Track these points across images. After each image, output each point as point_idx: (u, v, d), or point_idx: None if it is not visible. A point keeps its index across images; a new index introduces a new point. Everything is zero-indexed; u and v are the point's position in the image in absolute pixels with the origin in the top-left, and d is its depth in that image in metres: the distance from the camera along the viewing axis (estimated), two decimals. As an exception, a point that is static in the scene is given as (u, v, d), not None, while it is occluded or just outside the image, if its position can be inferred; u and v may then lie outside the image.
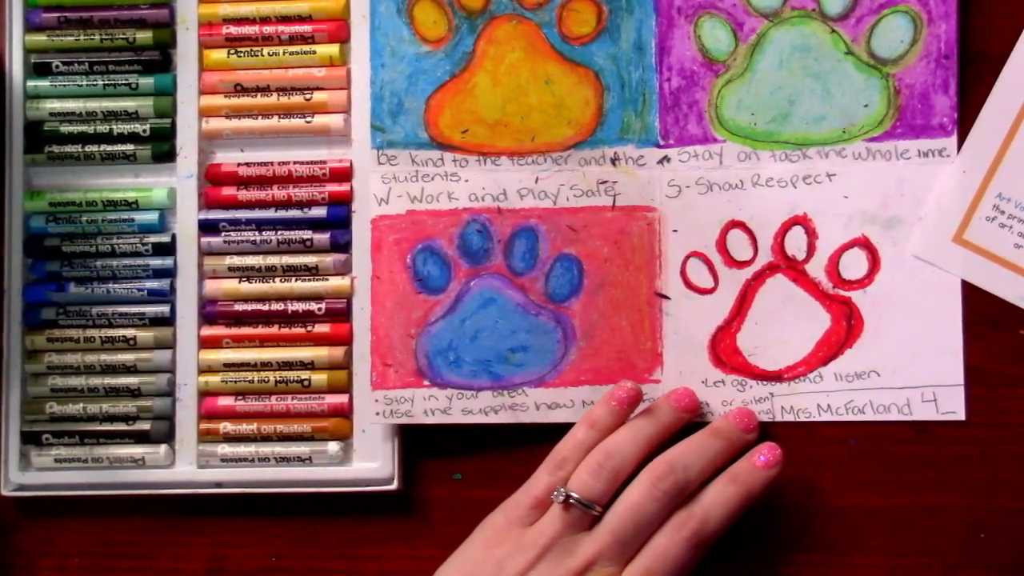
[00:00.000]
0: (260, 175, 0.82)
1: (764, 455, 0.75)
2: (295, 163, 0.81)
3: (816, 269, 0.78)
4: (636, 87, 0.78)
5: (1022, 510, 0.77)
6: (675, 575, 0.74)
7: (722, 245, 0.78)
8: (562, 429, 0.77)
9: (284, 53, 0.81)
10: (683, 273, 0.79)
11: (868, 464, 0.78)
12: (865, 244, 0.77)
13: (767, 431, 0.77)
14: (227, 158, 0.82)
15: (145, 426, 0.82)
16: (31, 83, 0.82)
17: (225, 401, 0.82)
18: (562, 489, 0.74)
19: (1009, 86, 0.75)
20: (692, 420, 0.77)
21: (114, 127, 0.82)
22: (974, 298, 0.77)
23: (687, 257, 0.79)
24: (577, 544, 0.74)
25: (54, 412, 0.82)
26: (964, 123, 0.76)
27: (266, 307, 0.81)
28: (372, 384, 0.80)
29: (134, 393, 0.82)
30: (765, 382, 0.78)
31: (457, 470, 0.81)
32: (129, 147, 0.82)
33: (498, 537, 0.75)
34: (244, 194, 0.81)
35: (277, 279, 0.81)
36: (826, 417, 0.77)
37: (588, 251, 0.79)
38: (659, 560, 0.73)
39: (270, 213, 0.81)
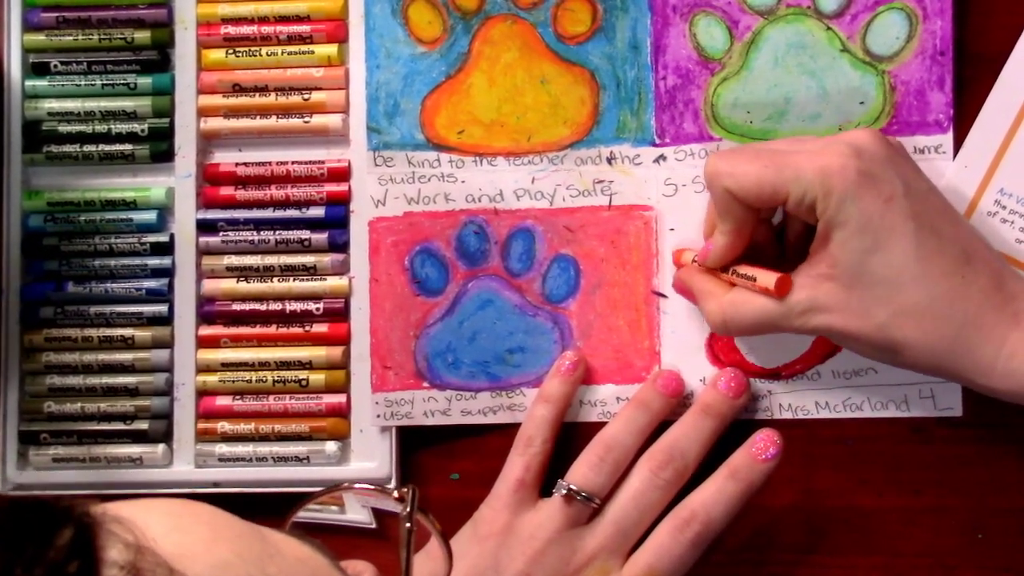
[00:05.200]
0: (258, 175, 0.82)
1: (763, 448, 0.74)
2: (293, 163, 0.82)
3: (813, 267, 0.78)
4: (632, 86, 0.78)
5: (1021, 511, 0.76)
6: (678, 573, 0.74)
7: (719, 244, 0.78)
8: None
9: (282, 53, 0.81)
10: (680, 272, 0.79)
11: (867, 465, 0.77)
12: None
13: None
14: (225, 158, 0.82)
15: (143, 425, 0.82)
16: (29, 83, 0.83)
17: (223, 401, 0.82)
18: (563, 482, 0.75)
19: (1011, 82, 0.75)
20: (681, 405, 0.77)
21: (112, 127, 0.82)
22: (972, 295, 0.77)
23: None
24: (578, 538, 0.74)
25: (52, 411, 0.82)
26: (961, 121, 0.75)
27: (264, 307, 0.82)
28: (372, 387, 0.80)
29: (132, 392, 0.82)
30: (763, 380, 0.78)
31: (455, 470, 0.81)
32: (127, 147, 0.82)
33: (489, 529, 0.75)
34: (242, 194, 0.82)
35: (275, 279, 0.81)
36: (824, 414, 0.77)
37: (585, 251, 0.79)
38: (663, 559, 0.73)
39: (268, 213, 0.82)
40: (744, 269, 0.72)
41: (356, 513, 0.80)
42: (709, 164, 0.71)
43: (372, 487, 0.67)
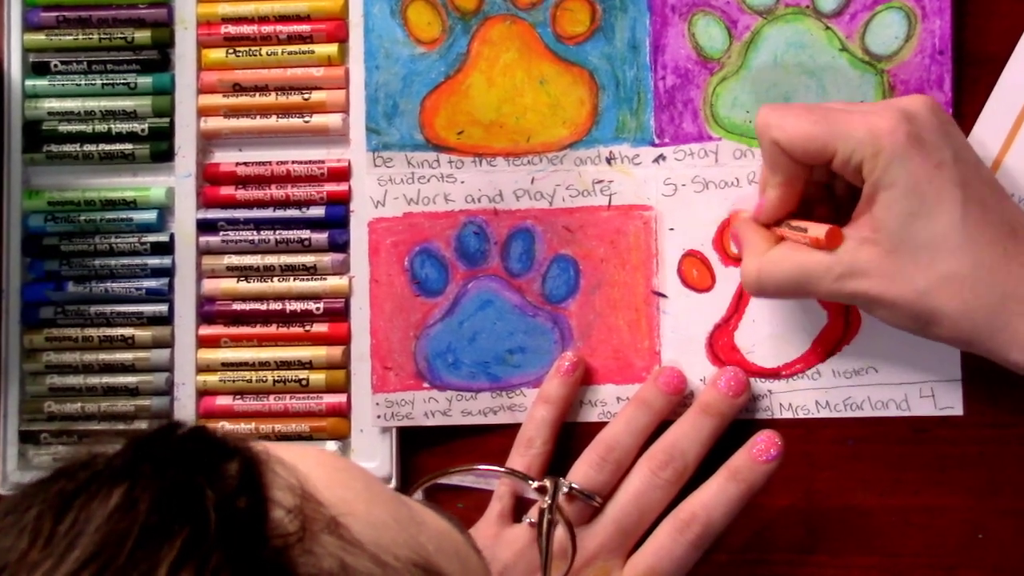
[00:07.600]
0: (258, 174, 0.82)
1: (764, 449, 0.74)
2: (293, 162, 0.82)
3: (812, 266, 0.77)
4: (631, 86, 0.78)
5: (1021, 511, 0.76)
6: (678, 574, 0.74)
7: (719, 243, 0.78)
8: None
9: (282, 52, 0.81)
10: (680, 271, 0.78)
11: (867, 464, 0.77)
12: (861, 241, 0.77)
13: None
14: (225, 157, 0.82)
15: (143, 425, 0.82)
16: (30, 82, 0.83)
17: (223, 400, 0.82)
18: (563, 480, 0.75)
19: (1010, 87, 0.75)
20: (682, 404, 0.77)
21: (112, 126, 0.82)
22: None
23: (684, 255, 0.78)
24: (579, 539, 0.74)
25: (52, 411, 0.82)
26: (962, 121, 0.75)
27: (264, 306, 0.82)
28: (372, 387, 0.80)
29: (132, 392, 0.82)
30: (763, 379, 0.78)
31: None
32: (127, 146, 0.82)
33: (490, 531, 0.75)
34: (242, 193, 0.82)
35: (275, 278, 0.81)
36: (824, 414, 0.77)
37: (584, 251, 0.79)
38: (664, 560, 0.73)
39: (268, 212, 0.82)
40: (796, 222, 0.71)
41: (367, 460, 0.80)
42: (760, 115, 0.70)
43: (507, 471, 0.68)
